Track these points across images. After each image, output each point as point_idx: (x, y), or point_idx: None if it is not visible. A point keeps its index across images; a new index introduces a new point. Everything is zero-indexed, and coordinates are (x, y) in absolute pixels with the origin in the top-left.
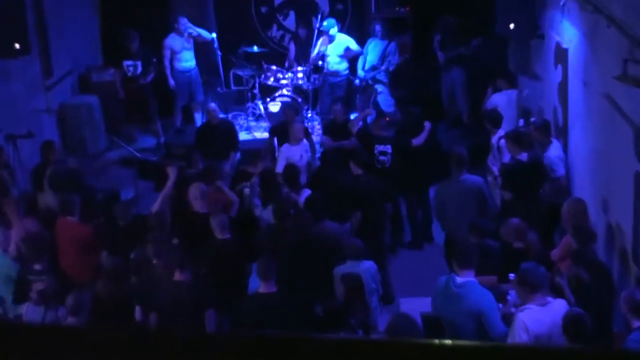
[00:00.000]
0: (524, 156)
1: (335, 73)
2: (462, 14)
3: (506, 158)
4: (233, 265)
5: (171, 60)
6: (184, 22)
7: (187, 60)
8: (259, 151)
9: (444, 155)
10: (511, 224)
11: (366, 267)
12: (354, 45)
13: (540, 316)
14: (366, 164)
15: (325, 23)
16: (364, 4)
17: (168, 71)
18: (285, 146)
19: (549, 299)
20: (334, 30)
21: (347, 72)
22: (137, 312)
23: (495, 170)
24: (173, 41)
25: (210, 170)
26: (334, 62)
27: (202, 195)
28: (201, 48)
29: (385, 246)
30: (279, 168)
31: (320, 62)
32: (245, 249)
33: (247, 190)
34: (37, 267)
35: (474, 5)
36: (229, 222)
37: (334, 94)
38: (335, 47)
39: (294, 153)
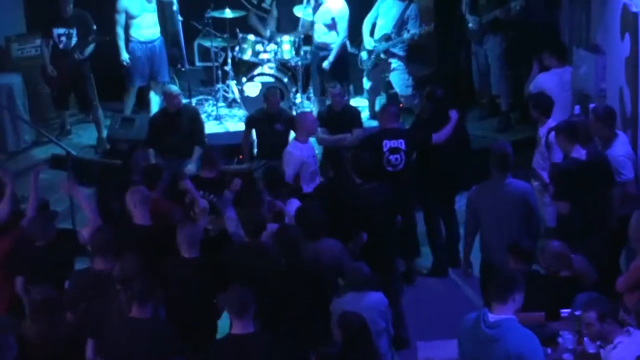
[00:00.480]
0: (581, 154)
1: (323, 46)
2: None
3: (558, 157)
4: (202, 294)
5: (126, 28)
6: None
7: (149, 26)
8: (233, 147)
9: (475, 153)
10: (550, 249)
11: (373, 300)
12: (341, 14)
13: (634, 348)
14: (369, 169)
15: None
16: None
17: (121, 42)
18: (296, 144)
19: (629, 328)
20: None
21: (339, 43)
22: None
23: (544, 174)
24: (129, 2)
25: (153, 171)
26: (321, 31)
27: (143, 201)
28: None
29: (398, 273)
30: (289, 174)
31: (312, 31)
32: (217, 273)
33: (212, 198)
34: None
35: None
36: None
37: (330, 72)
38: (322, 12)
39: (306, 152)
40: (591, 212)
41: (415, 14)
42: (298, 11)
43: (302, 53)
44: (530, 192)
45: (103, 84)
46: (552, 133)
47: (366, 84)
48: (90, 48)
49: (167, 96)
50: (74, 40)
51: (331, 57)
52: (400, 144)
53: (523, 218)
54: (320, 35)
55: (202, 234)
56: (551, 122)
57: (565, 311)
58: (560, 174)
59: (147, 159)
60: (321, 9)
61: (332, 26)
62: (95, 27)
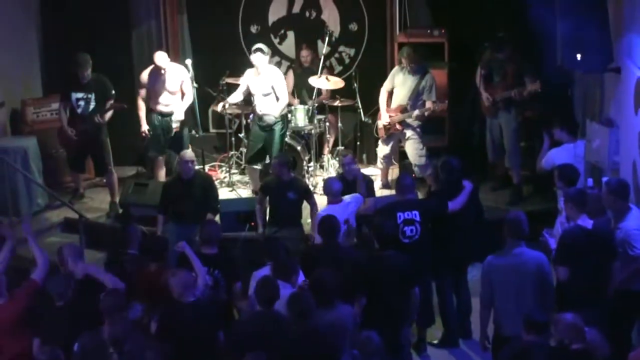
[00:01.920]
0: (588, 223)
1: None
2: (512, 43)
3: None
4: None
5: (147, 100)
6: (161, 57)
7: (166, 103)
8: (245, 214)
9: (487, 224)
10: (563, 321)
11: None
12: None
13: None
14: (389, 238)
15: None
16: (385, 25)
17: (141, 112)
18: (331, 207)
19: None
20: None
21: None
22: None
23: (552, 240)
24: (151, 79)
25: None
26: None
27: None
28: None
29: (408, 342)
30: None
31: (325, 99)
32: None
33: (217, 274)
34: None
35: (528, 32)
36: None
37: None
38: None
39: (341, 213)
40: (588, 283)
41: (430, 84)
42: (313, 81)
43: (315, 121)
44: (545, 261)
45: (118, 149)
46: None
47: (380, 152)
48: (108, 114)
49: (181, 162)
50: (92, 105)
51: None
52: (415, 215)
53: (537, 288)
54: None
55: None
56: None
57: None
58: (562, 238)
59: (138, 233)
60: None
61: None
62: (113, 92)
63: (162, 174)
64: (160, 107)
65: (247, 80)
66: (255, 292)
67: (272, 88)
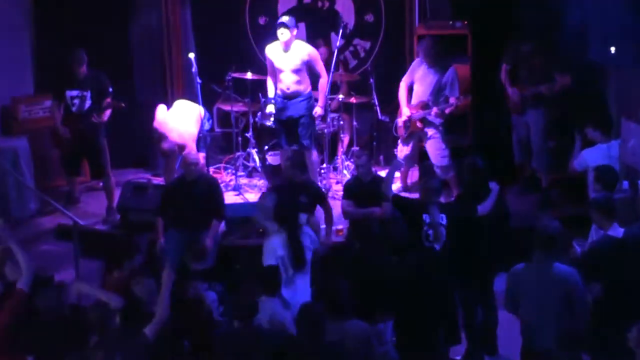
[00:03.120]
0: (618, 232)
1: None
2: (541, 35)
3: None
4: None
5: None
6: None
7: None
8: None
9: (514, 231)
10: None
11: None
12: None
13: None
14: (406, 243)
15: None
16: (404, 16)
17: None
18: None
19: None
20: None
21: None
22: None
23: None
24: None
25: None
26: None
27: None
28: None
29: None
30: None
31: (341, 96)
32: None
33: (219, 288)
34: None
35: (558, 21)
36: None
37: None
38: None
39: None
40: (624, 298)
41: (452, 79)
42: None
43: (329, 120)
44: (576, 277)
45: (117, 151)
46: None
47: (400, 153)
48: (106, 113)
49: (184, 163)
50: (88, 103)
51: None
52: (442, 219)
53: (568, 305)
54: None
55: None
56: None
57: None
58: (590, 251)
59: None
60: None
61: None
62: (111, 89)
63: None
64: None
65: (271, 57)
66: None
67: (305, 65)
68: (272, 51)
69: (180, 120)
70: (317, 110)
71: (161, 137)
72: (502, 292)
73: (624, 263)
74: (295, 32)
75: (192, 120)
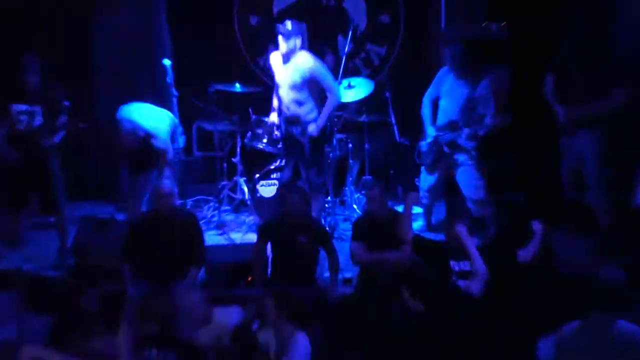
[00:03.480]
0: None
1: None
2: (594, 41)
3: None
4: None
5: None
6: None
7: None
8: (240, 265)
9: (564, 282)
10: None
11: None
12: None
13: None
14: (430, 292)
15: None
16: (427, 16)
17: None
18: None
19: None
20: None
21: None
22: None
23: None
24: None
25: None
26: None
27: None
28: None
29: None
30: None
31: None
32: None
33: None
34: None
35: (609, 27)
36: None
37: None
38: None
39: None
40: None
41: (487, 93)
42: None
43: (334, 142)
44: None
45: (73, 180)
46: None
47: (424, 183)
48: (60, 134)
49: (156, 194)
50: (39, 120)
51: None
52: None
53: None
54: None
55: None
56: None
57: None
58: None
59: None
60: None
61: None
62: (68, 104)
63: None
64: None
65: (273, 68)
66: None
67: (306, 83)
68: (274, 61)
69: (150, 114)
70: (311, 128)
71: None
72: (547, 359)
73: None
74: (299, 42)
75: (165, 120)
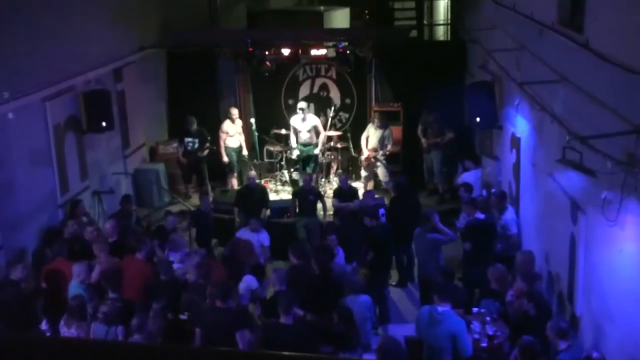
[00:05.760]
0: (480, 216)
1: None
2: (440, 110)
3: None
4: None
5: (225, 140)
6: (235, 112)
7: (237, 141)
8: (284, 209)
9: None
10: (499, 270)
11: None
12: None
13: None
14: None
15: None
16: (367, 100)
17: (222, 149)
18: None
19: None
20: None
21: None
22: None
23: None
24: (228, 127)
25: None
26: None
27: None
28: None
29: None
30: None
31: (332, 143)
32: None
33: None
34: (112, 295)
35: (449, 103)
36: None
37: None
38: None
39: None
40: (483, 249)
41: (389, 135)
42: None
43: (325, 155)
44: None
45: (211, 171)
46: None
47: (363, 174)
48: (205, 152)
49: (248, 178)
50: (196, 145)
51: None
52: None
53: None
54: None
55: None
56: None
57: (476, 309)
58: (467, 225)
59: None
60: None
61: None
62: (209, 138)
63: (234, 183)
64: (233, 143)
65: (294, 124)
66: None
67: (313, 127)
68: (294, 120)
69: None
70: (316, 150)
71: None
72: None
73: (485, 232)
74: (307, 110)
75: None
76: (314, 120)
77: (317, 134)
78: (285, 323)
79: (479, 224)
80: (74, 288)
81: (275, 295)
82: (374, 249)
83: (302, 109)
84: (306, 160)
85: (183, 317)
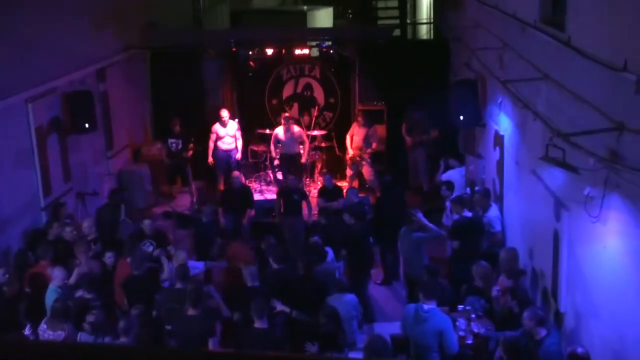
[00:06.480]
0: (468, 214)
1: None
2: (423, 108)
3: (455, 217)
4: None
5: (215, 142)
6: (225, 114)
7: (228, 143)
8: (269, 208)
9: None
10: (483, 267)
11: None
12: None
13: None
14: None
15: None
16: (351, 99)
17: (210, 150)
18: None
19: None
20: None
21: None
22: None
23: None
24: (217, 129)
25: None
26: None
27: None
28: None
29: None
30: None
31: (316, 142)
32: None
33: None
34: (88, 296)
35: (432, 102)
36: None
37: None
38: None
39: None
40: (470, 246)
41: (374, 133)
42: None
43: (310, 154)
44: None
45: (196, 171)
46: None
47: (348, 172)
48: (190, 152)
49: (232, 177)
50: (180, 146)
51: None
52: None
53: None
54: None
55: None
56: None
57: (461, 307)
58: (454, 224)
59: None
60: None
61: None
62: (193, 138)
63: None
64: (223, 144)
65: (278, 133)
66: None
67: (297, 137)
68: (278, 130)
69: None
70: (303, 159)
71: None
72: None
73: (471, 229)
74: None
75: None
76: (297, 131)
77: (301, 143)
78: (260, 327)
79: (467, 222)
80: (51, 292)
81: (247, 292)
82: (348, 247)
83: (286, 118)
84: (290, 162)
85: (169, 328)
